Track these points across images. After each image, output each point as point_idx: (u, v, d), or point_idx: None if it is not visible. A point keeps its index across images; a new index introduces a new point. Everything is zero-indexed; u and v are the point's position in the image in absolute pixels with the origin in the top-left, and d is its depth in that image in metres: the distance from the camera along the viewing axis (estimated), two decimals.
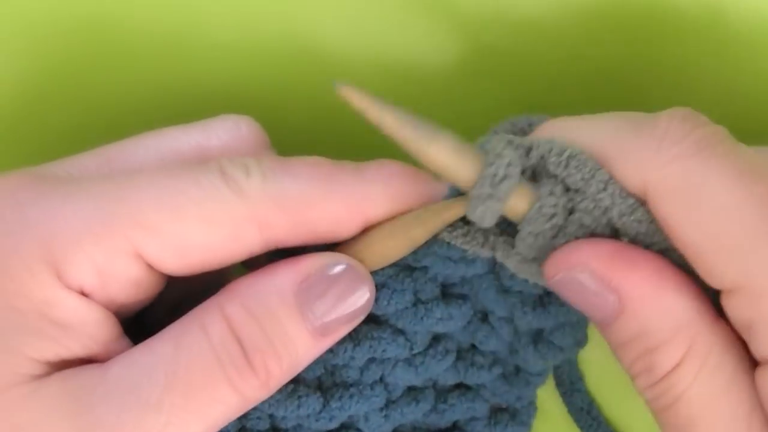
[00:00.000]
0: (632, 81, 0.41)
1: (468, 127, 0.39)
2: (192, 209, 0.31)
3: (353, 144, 0.39)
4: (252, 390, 0.31)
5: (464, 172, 0.30)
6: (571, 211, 0.31)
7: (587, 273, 0.30)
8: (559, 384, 0.42)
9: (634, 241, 0.31)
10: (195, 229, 0.31)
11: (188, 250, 0.31)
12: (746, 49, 0.39)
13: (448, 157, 0.30)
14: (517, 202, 0.30)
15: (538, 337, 0.34)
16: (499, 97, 0.40)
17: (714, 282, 0.29)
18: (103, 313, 0.31)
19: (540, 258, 0.31)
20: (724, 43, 0.39)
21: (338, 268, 0.31)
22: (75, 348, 0.31)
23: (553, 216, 0.30)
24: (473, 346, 0.35)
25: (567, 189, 0.31)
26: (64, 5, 0.39)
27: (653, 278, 0.30)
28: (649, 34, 0.39)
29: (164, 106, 0.40)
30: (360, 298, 0.32)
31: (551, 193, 0.30)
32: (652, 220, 0.30)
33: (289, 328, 0.31)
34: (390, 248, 0.32)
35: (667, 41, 0.39)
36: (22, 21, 0.39)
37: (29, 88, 0.40)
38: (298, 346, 0.31)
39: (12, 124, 0.40)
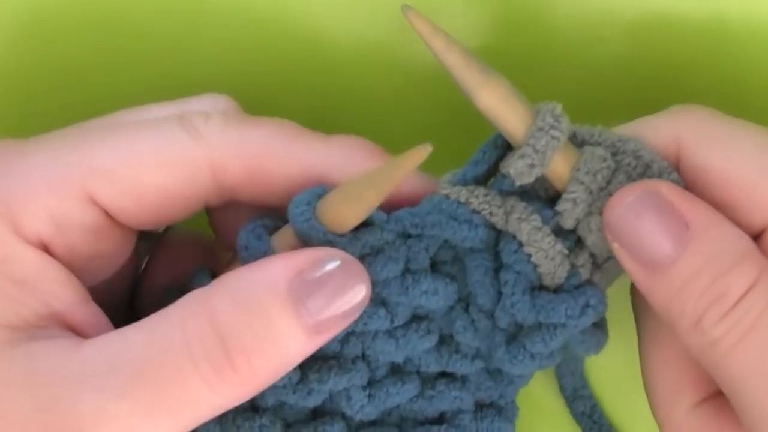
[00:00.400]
0: (634, 83, 0.41)
1: (468, 128, 0.39)
2: (146, 152, 0.31)
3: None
4: (232, 388, 0.30)
5: (513, 119, 0.30)
6: (615, 170, 0.32)
7: (664, 187, 0.30)
8: (562, 389, 0.42)
9: None
10: (148, 172, 0.31)
11: (142, 193, 0.31)
12: (747, 53, 0.39)
13: (498, 102, 0.30)
14: (560, 163, 0.31)
15: (512, 337, 0.33)
16: None
17: (758, 218, 0.30)
18: (63, 271, 0.31)
19: (579, 218, 0.32)
20: (726, 46, 0.39)
21: (333, 264, 0.30)
22: (36, 306, 0.30)
23: (600, 171, 0.31)
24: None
25: (609, 149, 0.32)
26: (65, 2, 0.39)
27: (714, 211, 0.30)
28: (651, 36, 0.39)
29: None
30: (356, 295, 0.31)
31: (595, 152, 0.31)
32: (684, 184, 0.32)
33: (280, 325, 0.30)
34: (344, 213, 0.31)
35: (669, 43, 0.39)
36: (22, 16, 0.39)
37: (28, 84, 0.40)
38: (290, 344, 0.30)
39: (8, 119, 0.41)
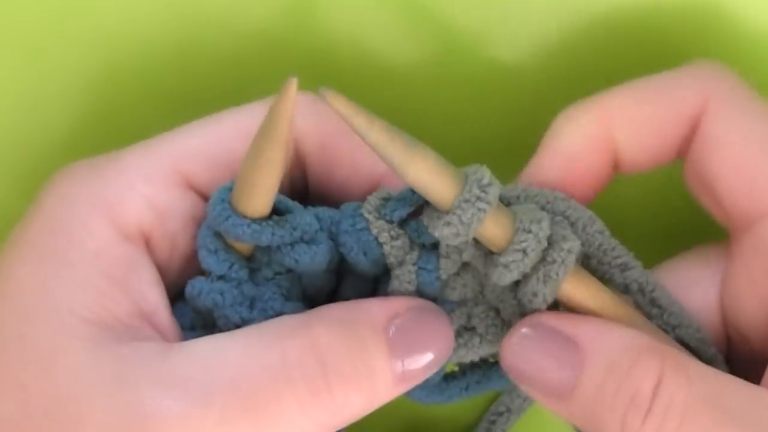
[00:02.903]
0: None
1: (466, 141, 0.39)
2: (231, 128, 0.31)
3: None
4: (323, 414, 0.30)
5: (443, 190, 0.30)
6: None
7: (544, 317, 0.30)
8: None
9: (598, 253, 0.32)
10: (235, 144, 0.31)
11: (233, 166, 0.32)
12: (749, 61, 0.39)
13: (424, 175, 0.29)
14: (491, 226, 0.30)
15: None
16: (498, 110, 0.41)
17: (753, 209, 0.31)
18: (154, 272, 0.31)
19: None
20: (727, 54, 0.39)
21: (427, 314, 0.31)
22: (126, 304, 0.30)
23: (542, 220, 0.31)
24: None
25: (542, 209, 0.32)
26: (72, 19, 0.39)
27: (599, 320, 0.30)
28: (651, 46, 0.40)
29: (169, 111, 0.40)
30: (441, 349, 0.31)
31: (528, 207, 0.31)
32: (607, 232, 0.32)
33: (377, 364, 0.30)
34: (257, 184, 0.30)
35: (669, 53, 0.39)
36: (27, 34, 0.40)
37: (32, 98, 0.41)
38: (380, 385, 0.30)
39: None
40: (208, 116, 0.33)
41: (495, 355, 0.35)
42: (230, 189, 0.31)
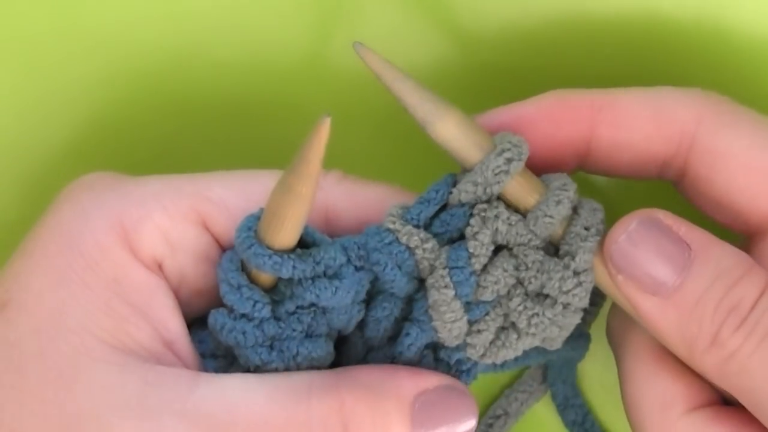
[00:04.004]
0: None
1: None
2: (260, 189, 0.31)
3: (355, 154, 0.40)
4: None
5: (470, 150, 0.30)
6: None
7: (660, 214, 0.31)
8: (553, 397, 0.43)
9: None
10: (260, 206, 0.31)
11: None
12: (745, 65, 0.39)
13: (454, 134, 0.30)
14: (519, 186, 0.31)
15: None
16: None
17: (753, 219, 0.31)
18: (173, 299, 0.31)
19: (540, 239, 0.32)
20: (723, 58, 0.39)
21: (454, 392, 0.32)
22: (149, 331, 0.30)
23: (570, 197, 0.31)
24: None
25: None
26: (73, 26, 0.40)
27: (710, 234, 0.31)
28: (649, 50, 0.40)
29: (169, 120, 0.41)
30: (465, 427, 0.31)
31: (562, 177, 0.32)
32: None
33: None
34: (283, 218, 0.30)
35: (666, 56, 0.40)
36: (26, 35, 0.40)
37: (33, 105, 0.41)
38: None
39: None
40: (235, 170, 0.33)
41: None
42: (258, 218, 0.31)
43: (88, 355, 0.29)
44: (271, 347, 0.32)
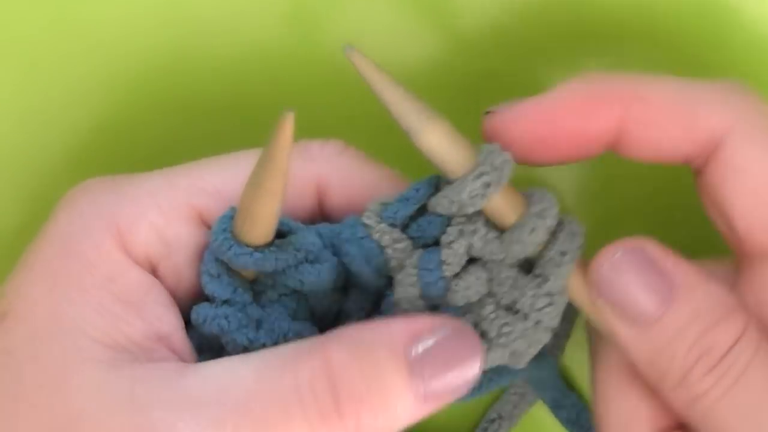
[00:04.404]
0: None
1: None
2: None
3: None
4: None
5: (454, 161, 0.30)
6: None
7: (649, 245, 0.30)
8: (544, 401, 0.43)
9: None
10: None
11: None
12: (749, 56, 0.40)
13: (436, 146, 0.30)
14: (500, 201, 0.31)
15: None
16: None
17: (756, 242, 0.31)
18: (167, 295, 0.31)
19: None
20: (725, 62, 0.40)
21: (452, 333, 0.30)
22: (142, 327, 0.30)
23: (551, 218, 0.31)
24: None
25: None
26: (73, 32, 0.40)
27: (697, 269, 0.31)
28: (645, 54, 0.40)
29: (168, 121, 0.41)
30: (469, 369, 0.30)
31: (546, 200, 0.31)
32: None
33: (393, 384, 0.29)
34: (258, 214, 0.30)
35: (665, 57, 0.40)
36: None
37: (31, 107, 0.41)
38: (399, 406, 0.30)
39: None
40: (226, 154, 0.33)
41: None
42: (231, 217, 0.31)
43: (80, 355, 0.29)
44: (258, 327, 0.32)
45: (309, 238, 0.32)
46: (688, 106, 0.32)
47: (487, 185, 0.30)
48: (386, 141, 0.40)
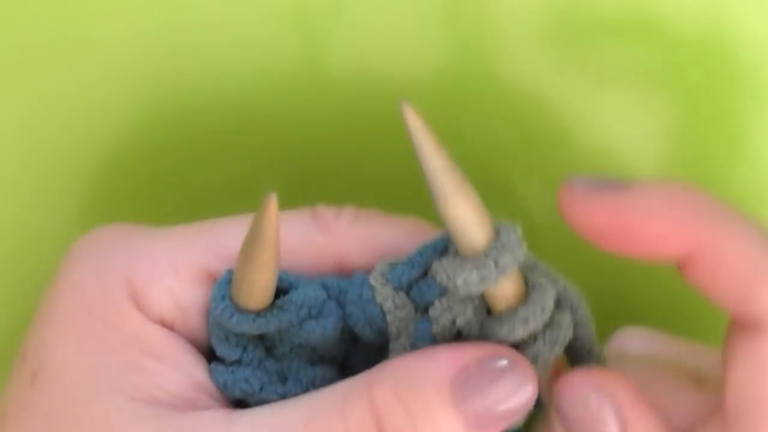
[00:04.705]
0: None
1: (475, 161, 0.40)
2: None
3: (359, 162, 0.40)
4: None
5: (466, 239, 0.30)
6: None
7: (621, 390, 0.31)
8: None
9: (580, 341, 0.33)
10: None
11: None
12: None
13: (459, 218, 0.29)
14: (506, 284, 0.30)
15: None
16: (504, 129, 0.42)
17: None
18: (192, 348, 0.31)
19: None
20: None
21: (501, 363, 0.30)
22: (179, 378, 0.30)
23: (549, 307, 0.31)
24: None
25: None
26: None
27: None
28: (646, 49, 0.40)
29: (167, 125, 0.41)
30: (522, 397, 0.30)
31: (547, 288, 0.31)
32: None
33: (441, 420, 0.29)
34: (254, 287, 0.30)
35: (672, 66, 0.40)
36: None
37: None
38: None
39: None
40: (244, 216, 0.33)
41: None
42: (229, 281, 0.31)
43: (121, 415, 0.29)
44: (283, 380, 0.32)
45: (311, 293, 0.32)
46: (751, 278, 0.31)
47: (484, 279, 0.30)
48: (388, 147, 0.40)
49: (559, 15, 0.40)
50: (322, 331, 0.32)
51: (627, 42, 0.40)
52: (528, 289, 0.31)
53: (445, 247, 0.32)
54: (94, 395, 0.29)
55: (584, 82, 0.40)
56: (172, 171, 0.41)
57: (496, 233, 0.30)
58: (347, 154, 0.41)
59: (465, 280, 0.30)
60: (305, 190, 0.39)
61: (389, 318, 0.32)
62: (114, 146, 0.41)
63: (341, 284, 0.32)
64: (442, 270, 0.30)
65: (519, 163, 0.40)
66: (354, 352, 0.34)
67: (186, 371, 0.31)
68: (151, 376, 0.30)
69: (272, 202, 0.28)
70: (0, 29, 0.39)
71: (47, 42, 0.39)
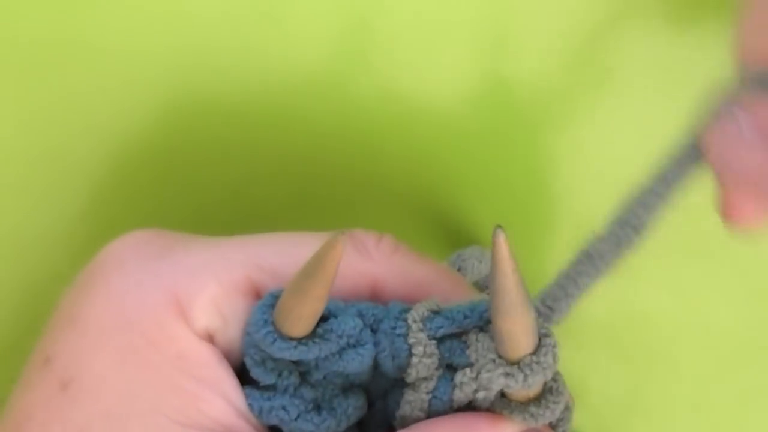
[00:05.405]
0: None
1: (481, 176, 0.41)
2: (309, 254, 0.30)
3: (356, 169, 0.41)
4: None
5: (522, 345, 0.30)
6: None
7: None
8: None
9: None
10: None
11: None
12: None
13: (521, 330, 0.30)
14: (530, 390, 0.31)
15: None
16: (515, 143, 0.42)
17: None
18: (232, 374, 0.31)
19: None
20: None
21: None
22: (220, 404, 0.30)
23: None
24: None
25: None
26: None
27: None
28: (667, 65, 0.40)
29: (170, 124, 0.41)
30: None
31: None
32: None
33: None
34: (299, 315, 0.30)
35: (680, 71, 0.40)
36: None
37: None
38: None
39: None
40: (283, 233, 0.33)
41: None
42: (271, 305, 0.31)
43: None
44: (318, 408, 0.32)
45: (350, 323, 0.32)
46: None
47: (508, 387, 0.31)
48: (396, 155, 0.41)
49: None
50: (361, 360, 0.32)
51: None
52: (544, 391, 0.32)
53: (488, 320, 0.32)
54: (133, 415, 0.29)
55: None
56: (177, 173, 0.40)
57: (538, 346, 0.31)
58: (355, 166, 0.41)
59: (490, 378, 0.31)
60: (310, 196, 0.40)
61: (414, 361, 0.32)
62: (119, 148, 0.40)
63: (376, 312, 0.32)
64: (475, 352, 0.31)
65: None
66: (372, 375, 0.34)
67: (227, 396, 0.30)
68: (193, 399, 0.30)
69: (340, 242, 0.29)
70: (5, 31, 0.39)
71: (52, 44, 0.40)
